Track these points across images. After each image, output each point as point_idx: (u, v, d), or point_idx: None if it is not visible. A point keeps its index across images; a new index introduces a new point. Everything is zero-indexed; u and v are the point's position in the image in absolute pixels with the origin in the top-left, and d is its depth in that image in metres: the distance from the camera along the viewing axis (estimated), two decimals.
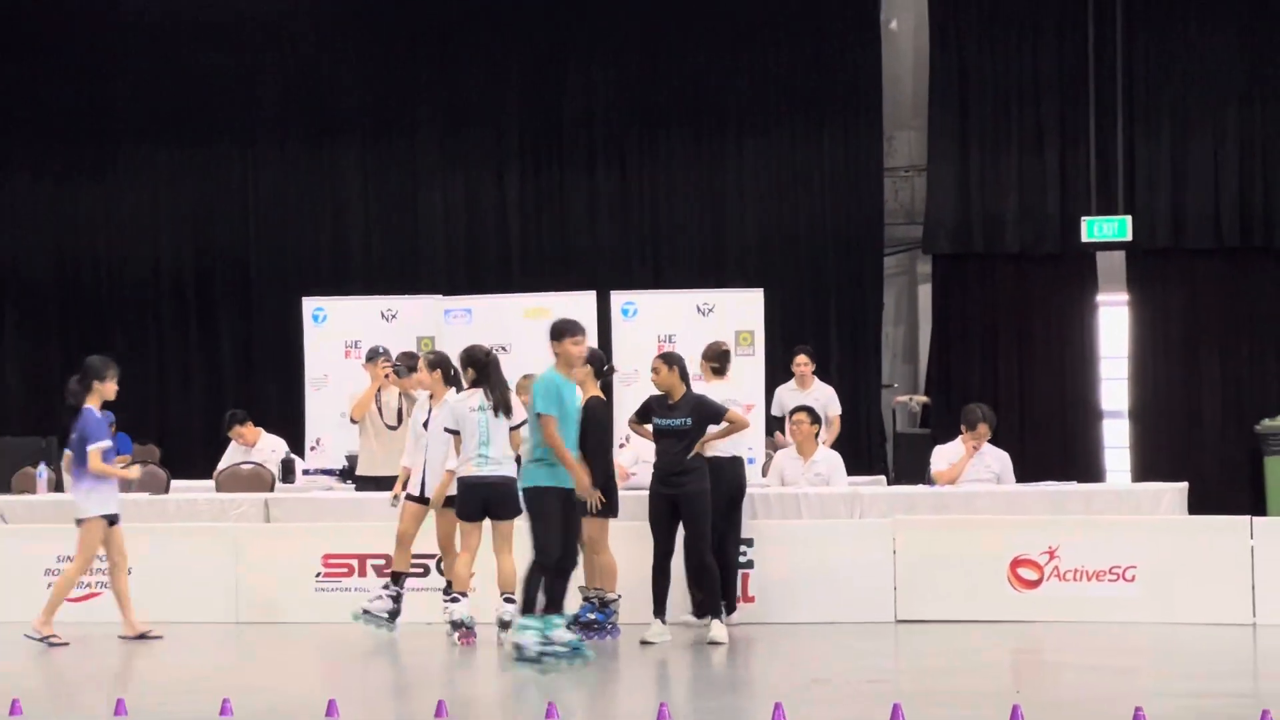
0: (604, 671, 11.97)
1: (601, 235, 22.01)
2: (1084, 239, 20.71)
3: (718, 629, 12.65)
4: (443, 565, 13.44)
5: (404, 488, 13.46)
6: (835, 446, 15.86)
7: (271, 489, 15.98)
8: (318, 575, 14.35)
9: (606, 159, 22.09)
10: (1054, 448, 20.72)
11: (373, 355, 15.75)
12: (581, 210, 22.10)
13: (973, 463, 14.76)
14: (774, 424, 16.76)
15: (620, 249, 21.98)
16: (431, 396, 13.39)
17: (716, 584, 12.79)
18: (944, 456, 15.01)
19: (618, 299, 18.18)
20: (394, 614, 13.39)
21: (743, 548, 13.67)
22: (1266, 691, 10.79)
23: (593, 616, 12.98)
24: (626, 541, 13.04)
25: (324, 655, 13.12)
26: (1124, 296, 21.27)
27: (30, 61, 22.68)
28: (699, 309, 17.06)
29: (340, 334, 18.88)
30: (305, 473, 16.94)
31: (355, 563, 14.29)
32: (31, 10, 22.58)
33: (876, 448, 21.29)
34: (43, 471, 16.41)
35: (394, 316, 18.44)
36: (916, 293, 22.30)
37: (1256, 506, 18.39)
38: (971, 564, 13.64)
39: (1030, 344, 21.29)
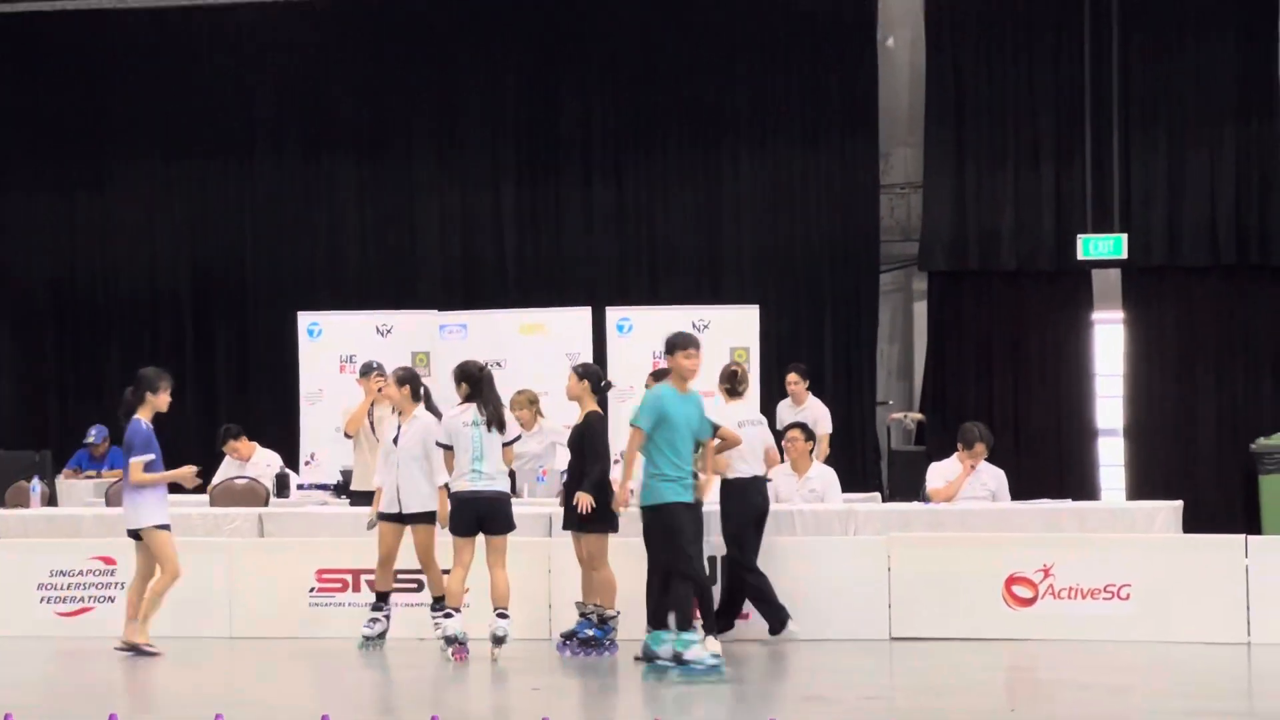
0: (599, 687, 11.96)
1: (598, 250, 22.00)
2: (1079, 256, 20.70)
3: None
4: (376, 577, 13.46)
5: (378, 507, 13.44)
6: (830, 463, 15.87)
7: (266, 504, 15.95)
8: (312, 590, 14.31)
9: (603, 174, 22.09)
10: (1049, 465, 20.71)
11: (367, 370, 15.72)
12: (578, 225, 22.09)
13: (969, 480, 14.75)
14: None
15: (617, 264, 21.97)
16: (400, 413, 13.40)
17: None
18: (939, 474, 15.01)
19: (613, 315, 18.24)
20: (383, 633, 13.42)
21: None
22: (1261, 710, 10.80)
23: (590, 633, 12.97)
24: (626, 557, 13.01)
25: (317, 670, 13.09)
26: (1119, 314, 21.28)
27: (26, 74, 22.68)
28: (694, 325, 17.09)
29: (335, 349, 18.92)
30: (300, 487, 16.93)
31: (349, 578, 14.25)
32: (28, 23, 22.56)
33: (871, 465, 21.29)
34: (36, 486, 16.36)
35: (389, 331, 18.47)
36: (912, 309, 22.31)
37: (1251, 525, 18.38)
38: (966, 581, 13.62)
39: (1025, 361, 21.29)
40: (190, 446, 21.35)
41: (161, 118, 22.47)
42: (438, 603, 13.11)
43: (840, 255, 21.68)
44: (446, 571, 13.04)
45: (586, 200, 22.10)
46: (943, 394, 21.38)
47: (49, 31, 22.60)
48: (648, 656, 12.17)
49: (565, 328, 18.67)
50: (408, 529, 13.21)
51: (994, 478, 14.88)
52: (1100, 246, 20.62)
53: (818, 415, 17.35)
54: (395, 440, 13.30)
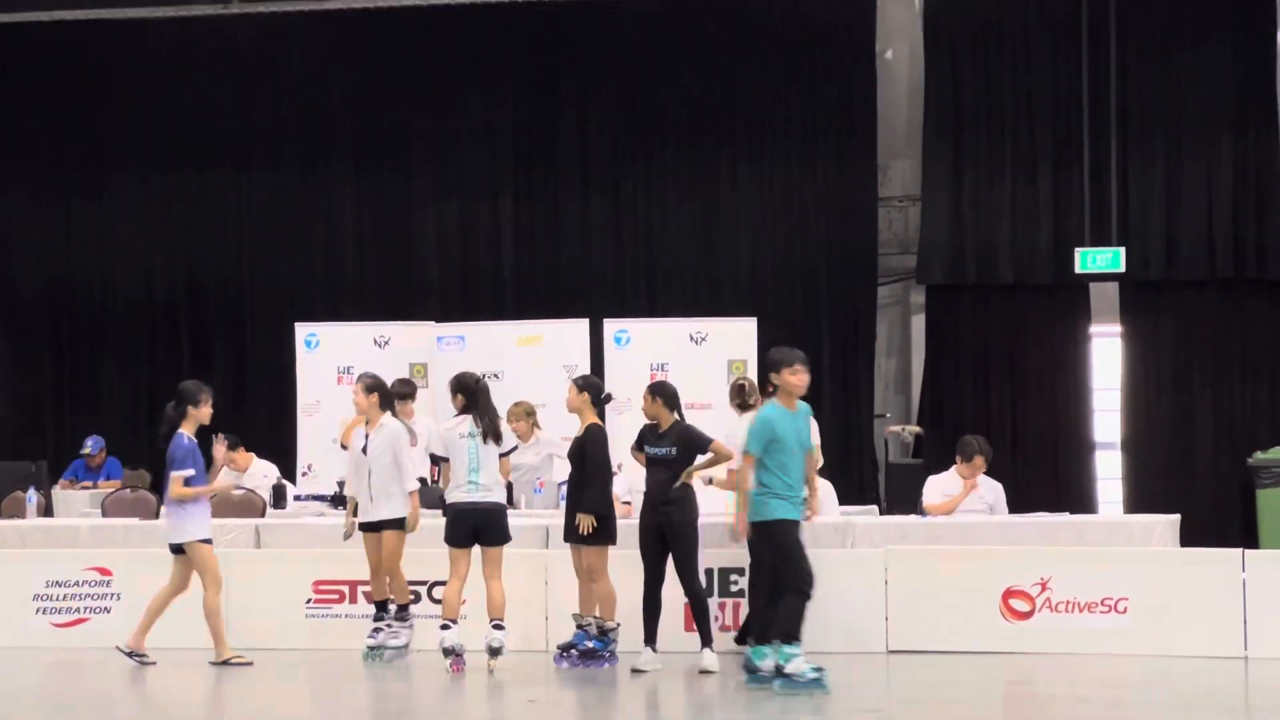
0: (596, 700, 11.94)
1: (595, 262, 21.98)
2: (1077, 270, 20.69)
3: (709, 658, 12.62)
4: (372, 587, 13.49)
5: (354, 516, 13.47)
6: (827, 475, 15.83)
7: (262, 515, 15.93)
8: (308, 601, 14.30)
9: (601, 186, 22.06)
10: (1046, 479, 20.68)
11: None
12: (575, 237, 22.07)
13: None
14: None
15: (614, 276, 21.95)
16: (368, 421, 13.42)
17: (706, 613, 12.77)
18: (937, 487, 15.00)
19: (611, 327, 18.21)
20: (405, 644, 13.42)
21: (734, 576, 13.65)
22: None
23: (590, 644, 12.95)
24: (626, 570, 12.99)
25: (314, 682, 13.08)
26: (1117, 328, 21.26)
27: (23, 84, 22.66)
28: (692, 337, 17.08)
29: (333, 360, 18.89)
30: (296, 498, 16.89)
31: (346, 589, 14.24)
32: (25, 33, 22.55)
33: (869, 477, 21.26)
34: (32, 496, 16.33)
35: (387, 343, 18.45)
36: (910, 322, 22.28)
37: (1248, 539, 18.34)
38: (964, 595, 13.60)
39: (1023, 375, 21.26)
40: None
41: (159, 129, 22.45)
42: (402, 610, 13.26)
43: (838, 267, 21.66)
44: (443, 583, 13.04)
45: (584, 212, 22.08)
46: (940, 407, 21.36)
47: (46, 41, 22.59)
48: (749, 669, 12.10)
49: (563, 340, 18.64)
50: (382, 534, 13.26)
51: (992, 491, 14.89)
52: (1098, 260, 20.62)
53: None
54: (364, 449, 13.34)
